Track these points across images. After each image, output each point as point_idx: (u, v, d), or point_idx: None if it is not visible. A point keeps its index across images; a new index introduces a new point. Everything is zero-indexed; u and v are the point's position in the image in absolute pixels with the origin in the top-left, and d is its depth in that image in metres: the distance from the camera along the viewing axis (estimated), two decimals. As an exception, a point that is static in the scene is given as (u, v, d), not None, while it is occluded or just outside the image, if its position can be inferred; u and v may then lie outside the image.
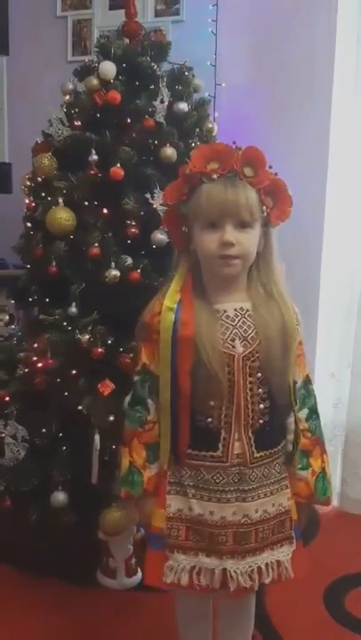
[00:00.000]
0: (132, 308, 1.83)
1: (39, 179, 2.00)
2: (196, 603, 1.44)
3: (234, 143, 1.22)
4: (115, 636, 1.79)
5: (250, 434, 1.22)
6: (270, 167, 1.23)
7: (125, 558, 1.92)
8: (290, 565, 1.28)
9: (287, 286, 1.29)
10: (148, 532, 1.31)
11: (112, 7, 2.89)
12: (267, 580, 1.26)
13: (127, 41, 2.06)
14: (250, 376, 1.22)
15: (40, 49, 3.05)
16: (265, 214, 1.23)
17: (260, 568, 1.25)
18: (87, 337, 1.81)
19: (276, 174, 1.24)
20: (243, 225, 1.20)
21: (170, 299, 1.24)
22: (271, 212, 1.24)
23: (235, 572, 1.23)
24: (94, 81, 1.95)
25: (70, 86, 2.07)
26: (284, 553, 1.28)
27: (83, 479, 1.79)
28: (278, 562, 1.27)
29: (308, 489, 1.30)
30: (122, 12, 2.10)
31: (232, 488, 1.23)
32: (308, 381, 1.32)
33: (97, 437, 1.78)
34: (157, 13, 2.82)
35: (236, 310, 1.24)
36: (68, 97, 2.05)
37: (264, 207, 1.22)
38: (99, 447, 1.78)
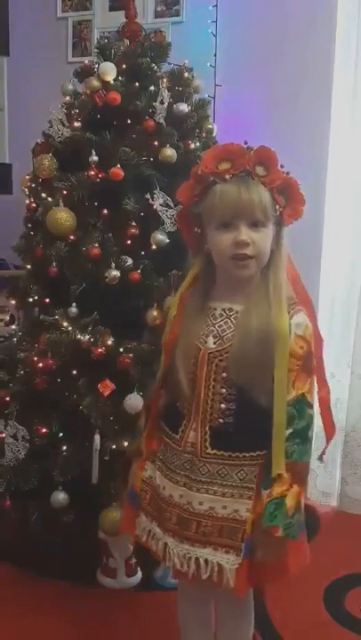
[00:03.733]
0: (132, 308, 1.86)
1: (39, 179, 2.01)
2: (196, 603, 1.45)
3: (245, 143, 1.22)
4: (115, 636, 1.79)
5: (206, 429, 1.24)
6: (282, 166, 1.23)
7: (125, 558, 1.92)
8: (233, 577, 1.22)
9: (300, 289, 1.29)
10: (131, 489, 1.39)
11: (112, 8, 2.89)
12: (204, 577, 1.24)
13: (127, 42, 2.07)
14: (215, 373, 1.23)
15: (40, 50, 3.06)
16: (278, 213, 1.23)
17: (197, 560, 1.24)
18: (87, 337, 1.81)
19: (287, 173, 1.23)
20: (256, 225, 1.20)
21: (173, 307, 1.30)
22: (284, 211, 1.23)
23: (173, 550, 1.27)
24: (94, 82, 1.95)
25: (70, 87, 2.07)
26: (228, 560, 1.23)
27: (83, 479, 1.79)
28: (220, 567, 1.23)
29: (260, 509, 1.19)
30: (122, 13, 2.11)
31: (182, 473, 1.27)
32: (301, 401, 1.20)
33: (97, 437, 1.78)
34: (157, 14, 2.83)
35: (223, 310, 1.25)
36: (68, 98, 2.05)
37: (277, 206, 1.22)
38: (99, 447, 1.78)
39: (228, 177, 1.19)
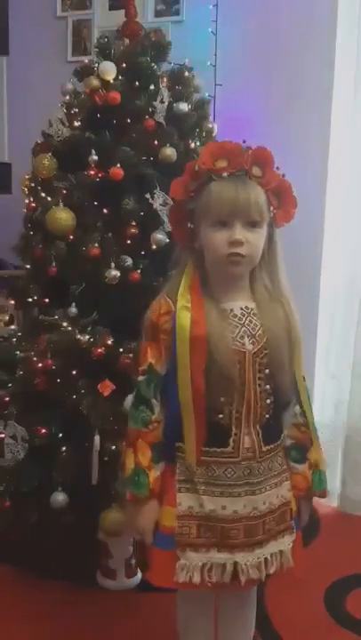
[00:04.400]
0: (131, 308, 1.84)
1: (39, 179, 2.00)
2: (197, 603, 1.43)
3: (244, 142, 1.22)
4: (114, 637, 1.78)
5: (258, 428, 1.25)
6: (278, 168, 1.23)
7: (125, 559, 1.92)
8: (290, 554, 1.31)
9: (289, 285, 1.31)
10: (156, 533, 1.27)
11: (112, 7, 2.89)
12: (271, 570, 1.28)
13: (127, 41, 2.06)
14: (259, 372, 1.24)
15: (40, 49, 3.06)
16: (272, 215, 1.24)
17: (266, 559, 1.28)
18: (87, 337, 1.80)
19: (283, 175, 1.24)
20: (252, 224, 1.21)
21: (183, 298, 1.24)
22: (277, 213, 1.25)
23: (245, 564, 1.25)
24: (94, 81, 1.95)
25: (70, 86, 2.07)
26: (285, 542, 1.31)
27: (82, 480, 1.78)
28: (281, 551, 1.30)
29: (305, 482, 1.32)
30: (122, 12, 2.10)
31: (242, 482, 1.25)
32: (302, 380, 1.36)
33: (97, 438, 1.78)
34: (157, 13, 2.83)
35: (242, 309, 1.26)
36: (67, 97, 2.05)
37: (271, 207, 1.23)
38: (98, 448, 1.77)
39: (225, 175, 1.19)
